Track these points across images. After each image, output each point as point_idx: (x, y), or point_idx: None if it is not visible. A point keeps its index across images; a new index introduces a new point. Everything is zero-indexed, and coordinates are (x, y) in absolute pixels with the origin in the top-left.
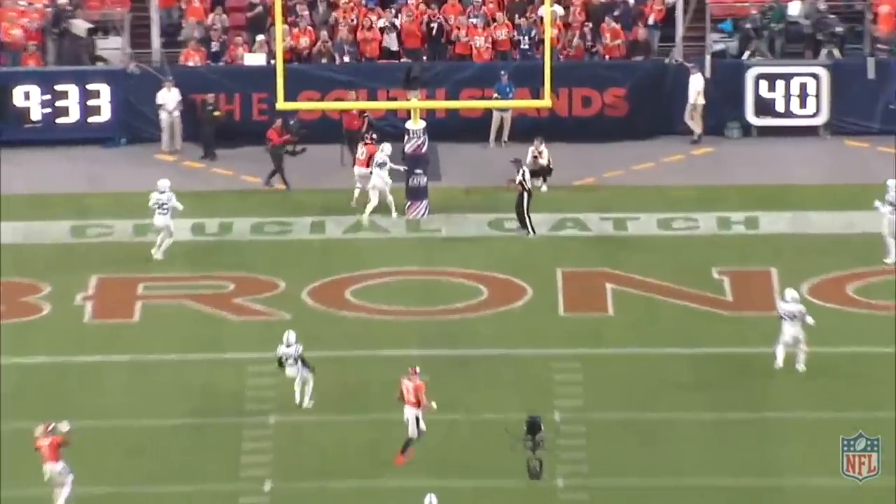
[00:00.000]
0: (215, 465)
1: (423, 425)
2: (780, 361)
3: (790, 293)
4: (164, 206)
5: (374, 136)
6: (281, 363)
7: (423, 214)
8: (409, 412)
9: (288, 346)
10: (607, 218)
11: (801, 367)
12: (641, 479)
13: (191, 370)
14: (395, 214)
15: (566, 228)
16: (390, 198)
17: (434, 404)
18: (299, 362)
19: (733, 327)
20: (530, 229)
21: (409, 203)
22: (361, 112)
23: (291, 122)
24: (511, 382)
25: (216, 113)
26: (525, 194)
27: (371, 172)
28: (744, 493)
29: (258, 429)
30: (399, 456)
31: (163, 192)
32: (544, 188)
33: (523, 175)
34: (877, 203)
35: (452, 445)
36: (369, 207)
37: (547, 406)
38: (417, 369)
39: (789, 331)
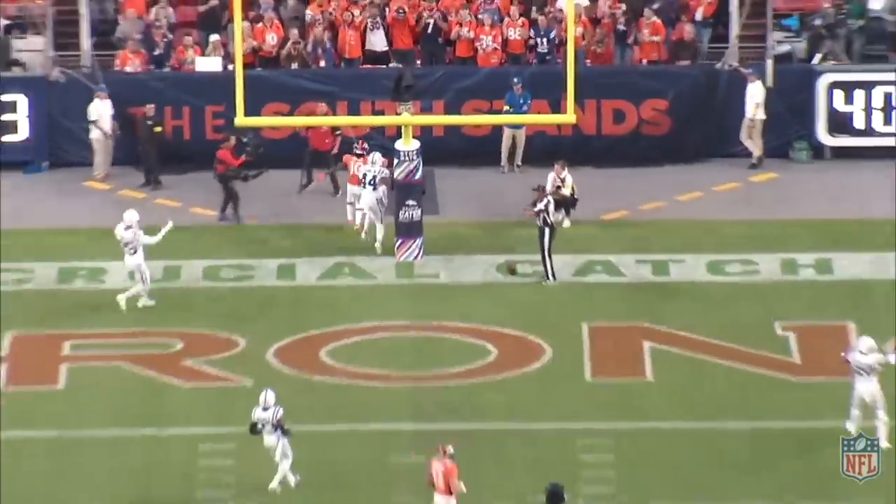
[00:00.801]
0: None
1: None
2: (853, 433)
3: (865, 342)
4: (131, 246)
5: (367, 145)
6: (255, 429)
7: (417, 256)
8: (440, 502)
9: (265, 408)
10: (645, 260)
11: (883, 443)
12: None
13: (129, 449)
14: (378, 248)
15: (594, 273)
16: (380, 228)
17: (464, 487)
18: (279, 430)
19: (801, 395)
20: (550, 274)
21: (399, 242)
22: (334, 129)
23: (246, 140)
24: (526, 464)
25: (158, 129)
26: (547, 230)
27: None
28: None
29: None
30: None
31: (128, 228)
32: (567, 223)
33: (546, 206)
34: None
35: None
36: (379, 234)
37: (571, 493)
38: (450, 448)
39: (864, 389)
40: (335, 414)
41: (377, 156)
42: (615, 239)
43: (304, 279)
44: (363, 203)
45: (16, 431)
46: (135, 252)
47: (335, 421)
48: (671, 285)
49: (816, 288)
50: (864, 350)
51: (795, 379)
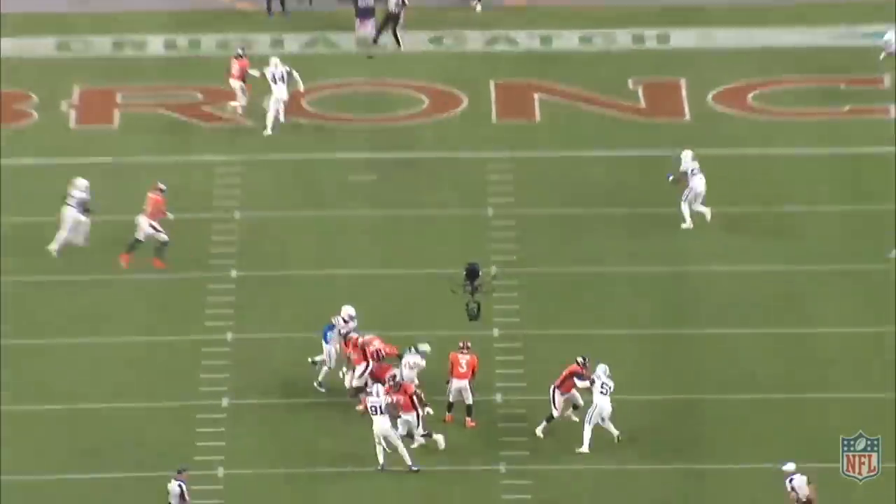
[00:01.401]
0: (187, 257)
1: (163, 237)
2: (688, 222)
3: (688, 153)
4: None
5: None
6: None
7: (370, 31)
8: (143, 222)
9: (81, 191)
10: (534, 35)
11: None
12: (565, 267)
13: (165, 171)
14: (269, 131)
15: (498, 44)
16: (279, 116)
17: (171, 216)
18: (83, 209)
19: (647, 132)
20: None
21: (358, 21)
22: None
23: None
24: (450, 182)
25: None
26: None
27: (241, 87)
28: (654, 278)
29: (225, 223)
30: (124, 255)
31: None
32: (479, 8)
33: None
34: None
35: (401, 237)
36: (269, 119)
37: (481, 203)
38: (161, 185)
39: (697, 183)
40: (314, 147)
41: (275, 59)
42: (513, 20)
43: (290, 48)
44: (276, 94)
45: (83, 159)
46: None
47: (314, 151)
48: (553, 53)
49: (657, 54)
50: (692, 164)
51: (642, 119)
